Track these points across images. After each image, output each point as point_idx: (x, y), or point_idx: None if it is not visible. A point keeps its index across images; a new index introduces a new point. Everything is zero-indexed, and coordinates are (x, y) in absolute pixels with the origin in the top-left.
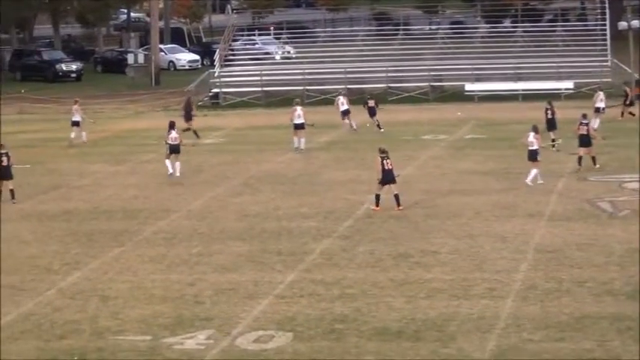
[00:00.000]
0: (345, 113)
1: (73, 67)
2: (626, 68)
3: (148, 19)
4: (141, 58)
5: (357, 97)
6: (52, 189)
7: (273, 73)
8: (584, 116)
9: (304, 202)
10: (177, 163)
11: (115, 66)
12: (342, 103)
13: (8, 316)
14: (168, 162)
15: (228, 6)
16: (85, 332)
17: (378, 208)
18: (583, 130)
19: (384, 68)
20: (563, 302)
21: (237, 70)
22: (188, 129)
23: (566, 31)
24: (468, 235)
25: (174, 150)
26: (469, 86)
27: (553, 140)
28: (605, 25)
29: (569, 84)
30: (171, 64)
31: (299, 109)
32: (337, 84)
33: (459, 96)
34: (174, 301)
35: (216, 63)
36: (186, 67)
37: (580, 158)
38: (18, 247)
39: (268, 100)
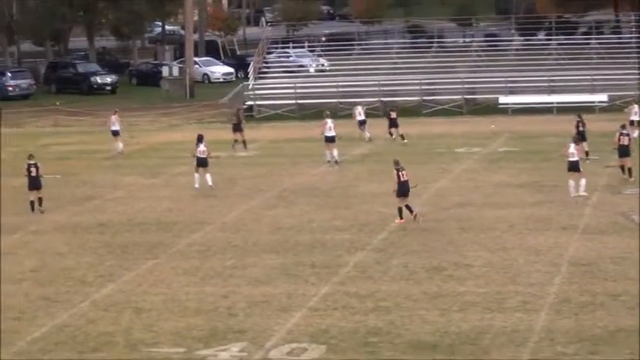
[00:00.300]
0: (362, 123)
1: (108, 79)
2: None
3: (182, 31)
4: (175, 71)
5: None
6: (86, 201)
7: (307, 85)
8: (624, 127)
9: (338, 214)
10: (208, 175)
11: (150, 79)
12: (360, 113)
13: (43, 327)
14: (196, 176)
15: (263, 19)
16: (119, 344)
17: (402, 221)
18: (624, 141)
19: (418, 81)
20: (597, 315)
21: (271, 83)
22: (237, 140)
23: (600, 43)
24: (501, 248)
25: (202, 163)
26: (503, 99)
27: (586, 153)
28: (639, 38)
29: (603, 97)
30: (205, 76)
31: (330, 122)
32: (371, 97)
33: (493, 109)
34: (208, 313)
35: (251, 75)
36: (221, 80)
37: (622, 168)
38: (53, 258)
39: (302, 112)
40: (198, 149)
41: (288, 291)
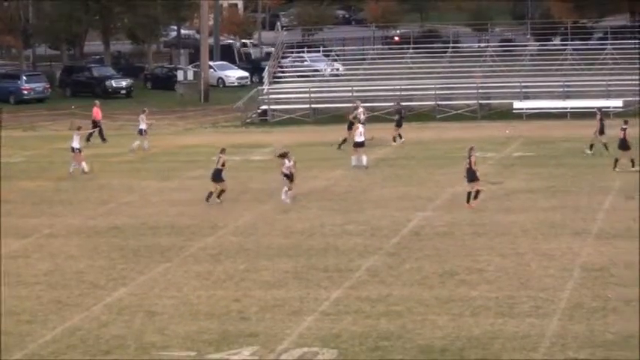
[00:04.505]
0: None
1: (123, 83)
2: None
3: (197, 35)
4: (190, 75)
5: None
6: (100, 204)
7: (321, 90)
8: (626, 122)
9: (351, 219)
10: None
11: (165, 83)
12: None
13: (54, 330)
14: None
15: (278, 23)
16: (131, 348)
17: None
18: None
19: (433, 86)
20: (609, 321)
21: (285, 87)
22: (345, 140)
23: (615, 49)
24: (514, 253)
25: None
26: (517, 104)
27: (632, 161)
28: None
29: (618, 102)
30: (220, 80)
31: (361, 127)
32: (386, 101)
33: (508, 114)
34: (220, 317)
35: (265, 80)
36: (235, 84)
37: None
38: (66, 262)
39: (317, 117)
40: (285, 165)
41: (300, 295)
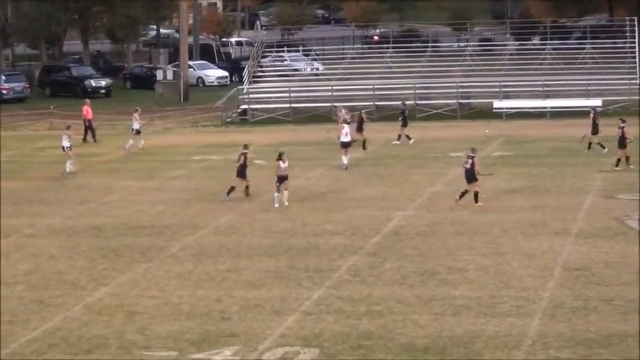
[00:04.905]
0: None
1: (102, 83)
2: None
3: (177, 35)
4: (170, 75)
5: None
6: (80, 204)
7: (301, 89)
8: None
9: (332, 218)
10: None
11: (144, 82)
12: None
13: (35, 331)
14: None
15: (258, 22)
16: (112, 347)
17: (478, 204)
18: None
19: (413, 85)
20: (590, 320)
21: (265, 87)
22: (355, 140)
23: (595, 48)
24: (495, 253)
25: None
26: (497, 103)
27: (626, 159)
28: (634, 42)
29: (597, 102)
30: (199, 80)
31: (347, 127)
32: (365, 100)
33: (487, 113)
34: (201, 317)
35: (245, 79)
36: (215, 84)
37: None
38: (46, 262)
39: (296, 116)
40: (280, 167)
41: (282, 295)
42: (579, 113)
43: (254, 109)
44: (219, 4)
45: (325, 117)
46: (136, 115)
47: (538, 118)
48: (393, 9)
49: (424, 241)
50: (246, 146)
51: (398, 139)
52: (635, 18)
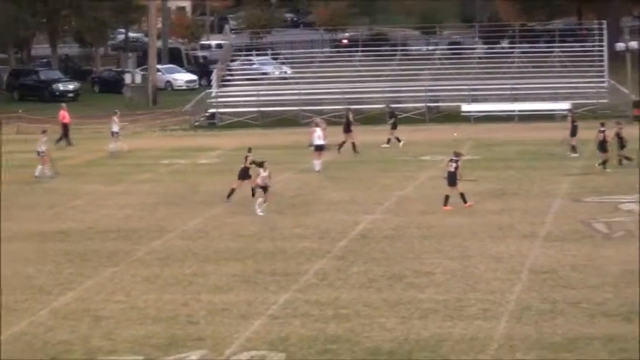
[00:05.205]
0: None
1: (71, 86)
2: (624, 89)
3: (145, 39)
4: (138, 78)
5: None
6: (47, 208)
7: (270, 93)
8: (602, 124)
9: (300, 222)
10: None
11: (113, 86)
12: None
13: (1, 336)
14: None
15: (227, 26)
16: (77, 352)
17: (447, 208)
18: (601, 137)
19: (381, 89)
20: (557, 323)
21: (234, 91)
22: (344, 142)
23: (563, 52)
24: (462, 256)
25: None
26: (466, 107)
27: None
28: (602, 46)
29: (565, 105)
30: (168, 84)
31: (319, 130)
32: (334, 104)
33: (456, 116)
34: (168, 321)
35: (214, 83)
36: (184, 87)
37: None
38: (13, 266)
39: (265, 120)
40: (260, 175)
41: (248, 299)
42: (548, 116)
43: (222, 113)
44: (188, 8)
45: (293, 121)
46: (115, 118)
47: (506, 121)
48: (362, 13)
49: (391, 245)
50: (249, 149)
51: (387, 142)
52: (604, 21)
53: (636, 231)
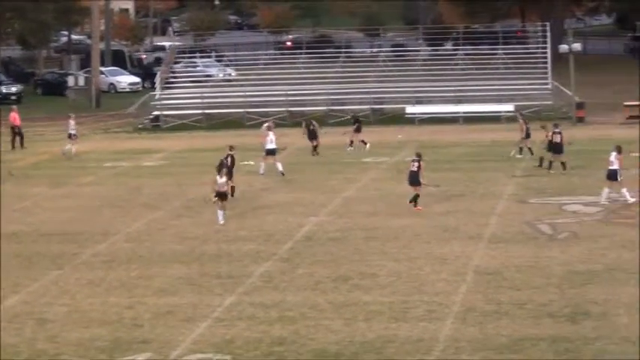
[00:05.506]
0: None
1: (13, 89)
2: (567, 91)
3: (88, 41)
4: (81, 81)
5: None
6: None
7: (214, 95)
8: (556, 125)
9: (244, 224)
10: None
11: (56, 88)
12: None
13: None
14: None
15: (170, 28)
16: (23, 355)
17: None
18: (557, 139)
19: (326, 91)
20: (502, 324)
21: (178, 93)
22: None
23: (507, 53)
24: (407, 258)
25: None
26: (410, 109)
27: (546, 161)
28: (546, 48)
29: (509, 107)
30: (111, 86)
31: (271, 135)
32: (278, 106)
33: (400, 118)
34: (112, 324)
35: (157, 85)
36: (127, 90)
37: (551, 164)
38: None
39: (209, 122)
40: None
41: (194, 301)
42: (492, 118)
43: (166, 116)
44: (131, 10)
45: (238, 123)
46: (71, 120)
47: (451, 123)
48: (306, 15)
49: (337, 247)
50: (231, 147)
51: (351, 145)
52: (547, 23)
53: (580, 232)
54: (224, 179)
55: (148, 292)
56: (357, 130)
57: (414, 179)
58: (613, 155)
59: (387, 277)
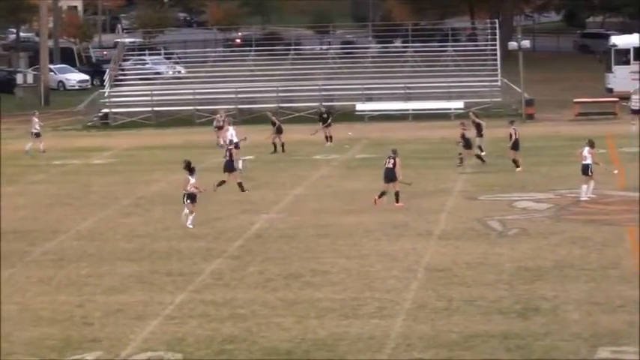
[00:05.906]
0: (219, 128)
1: None
2: (516, 88)
3: (37, 38)
4: (30, 78)
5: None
6: None
7: (163, 92)
8: (512, 122)
9: (195, 222)
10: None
11: (4, 86)
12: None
13: None
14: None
15: (119, 25)
16: None
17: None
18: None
19: (275, 88)
20: (453, 321)
21: (127, 90)
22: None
23: (456, 51)
24: (358, 255)
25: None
26: (360, 106)
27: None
28: (495, 45)
29: (459, 104)
30: (60, 84)
31: (232, 129)
32: (228, 104)
33: (350, 116)
34: (63, 322)
35: (106, 83)
36: (76, 87)
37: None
38: None
39: (158, 120)
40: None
41: (144, 299)
42: (441, 115)
43: (116, 113)
44: (80, 7)
45: (188, 120)
46: (35, 118)
47: (400, 120)
48: (255, 12)
49: (287, 244)
50: (230, 142)
51: (329, 140)
52: (496, 20)
53: (530, 229)
54: (194, 180)
55: (98, 290)
56: (327, 125)
57: (390, 175)
58: (586, 150)
59: (338, 274)
